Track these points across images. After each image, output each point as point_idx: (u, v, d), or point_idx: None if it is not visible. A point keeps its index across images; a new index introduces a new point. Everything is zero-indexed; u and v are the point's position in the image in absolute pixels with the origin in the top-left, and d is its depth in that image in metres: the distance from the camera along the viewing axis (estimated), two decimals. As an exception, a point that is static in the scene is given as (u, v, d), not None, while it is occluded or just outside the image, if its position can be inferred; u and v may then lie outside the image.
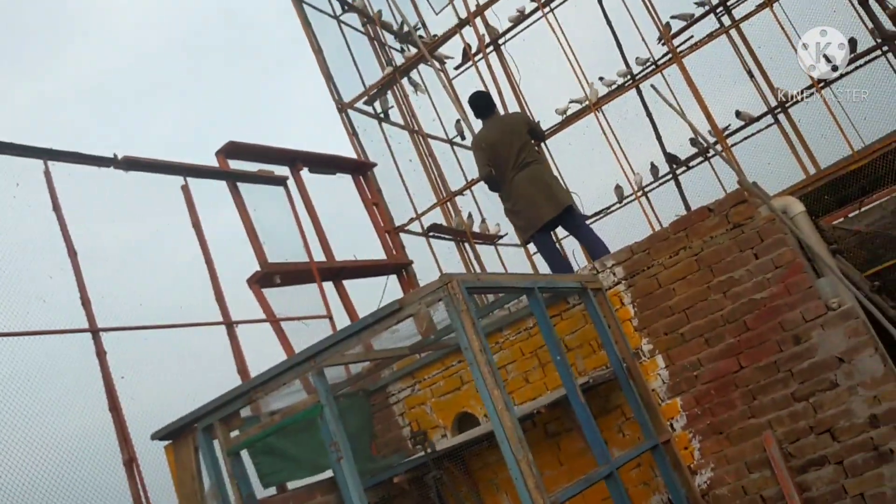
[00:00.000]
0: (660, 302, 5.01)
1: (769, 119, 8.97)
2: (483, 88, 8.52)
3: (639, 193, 9.38)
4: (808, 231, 4.91)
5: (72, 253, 5.19)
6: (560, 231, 7.90)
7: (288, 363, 4.23)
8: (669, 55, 8.31)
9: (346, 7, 9.86)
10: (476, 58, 9.32)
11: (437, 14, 10.84)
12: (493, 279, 4.38)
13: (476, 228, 9.80)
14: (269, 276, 6.53)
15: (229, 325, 5.98)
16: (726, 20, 9.12)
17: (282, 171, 7.45)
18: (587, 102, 9.06)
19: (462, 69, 10.52)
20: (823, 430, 4.45)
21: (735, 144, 9.04)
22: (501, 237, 10.20)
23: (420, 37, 10.13)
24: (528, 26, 9.79)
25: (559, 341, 4.57)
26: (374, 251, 8.26)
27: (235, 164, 6.98)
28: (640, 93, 10.02)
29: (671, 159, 10.13)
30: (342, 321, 6.88)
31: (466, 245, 9.34)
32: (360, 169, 8.60)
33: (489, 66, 9.11)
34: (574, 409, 4.35)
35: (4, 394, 4.34)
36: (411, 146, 9.70)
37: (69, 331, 4.95)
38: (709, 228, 4.89)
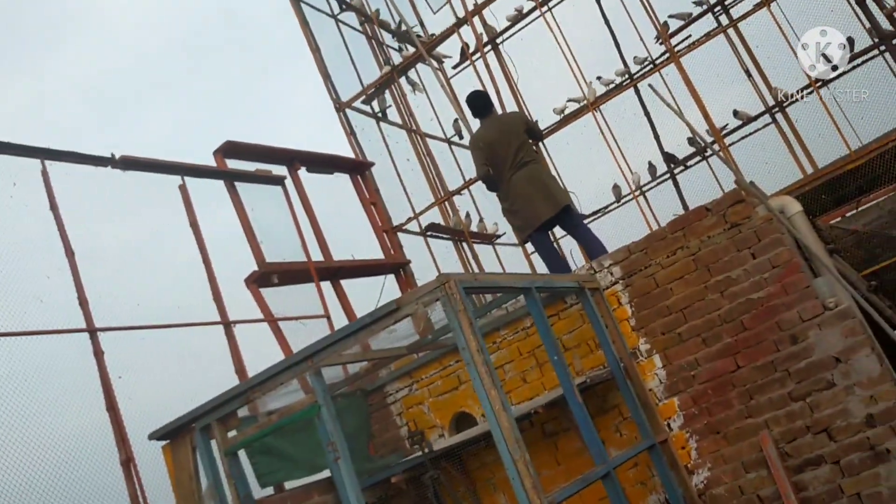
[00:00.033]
0: (657, 301, 5.02)
1: (767, 118, 8.97)
2: (481, 88, 8.52)
3: (636, 193, 9.39)
4: (805, 230, 4.91)
5: (69, 253, 5.19)
6: (558, 231, 7.91)
7: (285, 363, 4.23)
8: (667, 54, 8.32)
9: (343, 6, 9.85)
10: (474, 57, 9.33)
11: (434, 13, 10.84)
12: (490, 279, 4.38)
13: (474, 228, 9.81)
14: (266, 276, 6.52)
15: (227, 324, 5.98)
16: (724, 19, 9.13)
17: (279, 170, 7.44)
18: (585, 102, 9.07)
19: (460, 68, 10.53)
20: (820, 429, 4.45)
21: (732, 144, 9.06)
22: (499, 237, 10.21)
23: (418, 36, 10.13)
24: (525, 25, 9.81)
25: (556, 341, 4.58)
26: (372, 251, 8.27)
27: (233, 164, 6.97)
28: (637, 92, 10.02)
29: (669, 159, 10.14)
30: (340, 321, 6.89)
31: (464, 244, 9.35)
32: (357, 168, 8.60)
33: (487, 66, 9.12)
34: (571, 409, 4.35)
35: (2, 394, 4.34)
36: (409, 145, 9.71)
37: (67, 331, 4.94)
38: (706, 228, 4.90)
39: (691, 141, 9.64)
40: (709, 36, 8.49)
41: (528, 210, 6.11)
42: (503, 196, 6.35)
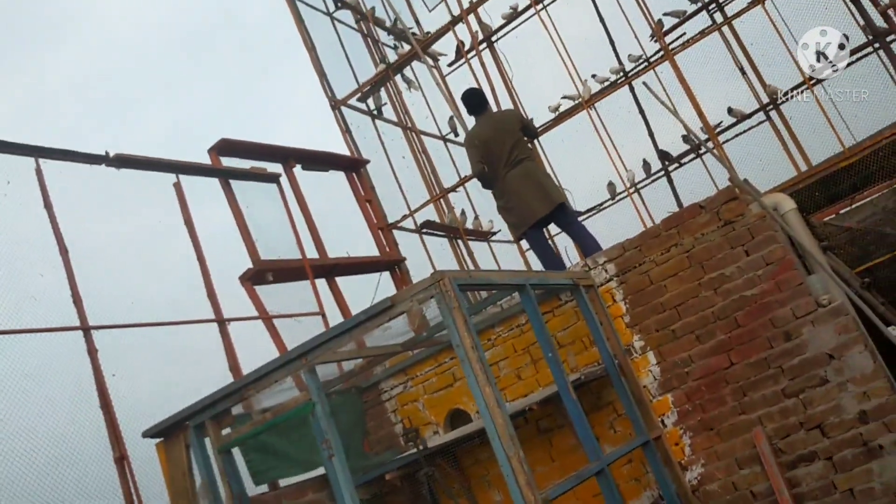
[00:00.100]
0: (651, 299, 5.03)
1: (761, 116, 8.97)
2: (476, 85, 8.52)
3: (631, 190, 9.40)
4: (798, 228, 4.93)
5: (63, 251, 5.17)
6: (552, 228, 7.92)
7: (280, 361, 4.23)
8: (662, 52, 8.32)
9: (339, 4, 9.83)
10: (469, 55, 9.32)
11: (430, 11, 10.83)
12: (485, 276, 4.39)
13: (469, 225, 9.80)
14: (261, 274, 6.52)
15: (221, 322, 5.97)
16: (719, 17, 9.11)
17: (274, 168, 7.43)
18: (580, 99, 9.07)
19: (455, 66, 10.52)
20: (813, 426, 4.47)
21: (727, 141, 9.06)
22: (494, 234, 10.21)
23: (413, 34, 10.12)
24: (521, 23, 9.80)
25: (551, 338, 4.58)
26: (367, 248, 8.27)
27: (228, 162, 6.96)
28: (632, 90, 10.01)
29: (663, 156, 10.14)
30: (335, 318, 6.88)
31: (459, 242, 9.34)
32: (353, 166, 8.59)
33: (482, 63, 9.12)
34: (566, 406, 4.36)
35: (-4, 391, 4.34)
36: (404, 143, 9.70)
37: (61, 329, 4.93)
38: (700, 225, 4.91)
39: (686, 138, 9.64)
40: (703, 34, 8.49)
41: (523, 207, 6.12)
42: (498, 193, 6.35)
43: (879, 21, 7.60)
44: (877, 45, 7.87)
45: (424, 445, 5.06)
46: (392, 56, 10.15)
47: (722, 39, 8.88)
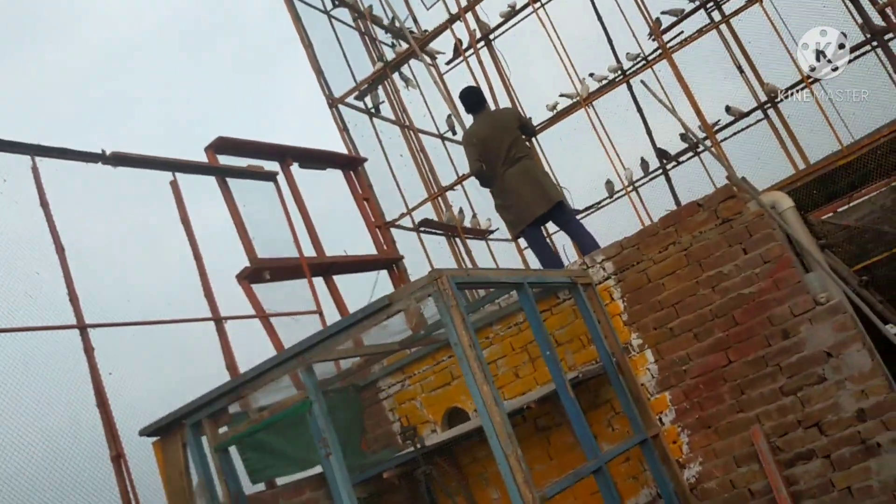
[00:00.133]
0: (649, 297, 5.03)
1: (759, 114, 8.97)
2: (474, 84, 8.50)
3: (629, 189, 9.39)
4: (796, 226, 4.93)
5: (59, 249, 5.15)
6: (551, 226, 7.91)
7: (277, 359, 4.22)
8: (659, 51, 8.31)
9: (336, 2, 9.81)
10: (467, 53, 9.30)
11: (427, 9, 10.82)
12: (482, 274, 4.39)
13: (467, 223, 9.79)
14: (258, 272, 6.50)
15: (218, 320, 5.95)
16: (716, 15, 9.11)
17: (271, 166, 7.40)
18: (577, 98, 9.06)
19: (453, 64, 10.50)
20: (811, 424, 4.47)
21: (725, 140, 9.05)
22: (492, 232, 10.20)
23: (411, 32, 10.10)
24: (518, 22, 9.79)
25: (549, 336, 4.58)
26: (365, 246, 8.25)
27: (225, 160, 6.94)
28: (630, 88, 10.02)
29: (661, 154, 10.14)
30: (332, 317, 6.86)
31: (457, 240, 9.32)
32: (350, 164, 8.58)
33: (480, 62, 9.09)
34: (564, 404, 4.36)
35: (-8, 390, 4.32)
36: (402, 141, 9.68)
37: (57, 327, 4.91)
38: (698, 224, 4.91)
39: (683, 137, 9.64)
40: (701, 32, 8.48)
41: (521, 206, 6.12)
42: (496, 192, 6.35)
43: (877, 19, 7.60)
44: (875, 43, 7.87)
45: (422, 444, 5.05)
46: (390, 54, 10.14)
47: (720, 38, 8.88)
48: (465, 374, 3.63)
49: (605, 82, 9.51)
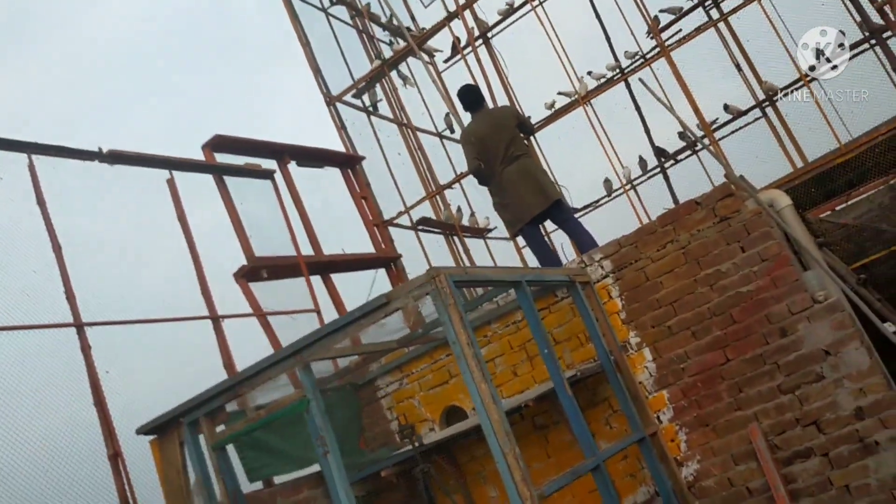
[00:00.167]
0: (647, 295, 5.02)
1: (757, 112, 8.97)
2: (472, 82, 8.49)
3: (627, 187, 9.39)
4: (794, 224, 4.92)
5: (56, 247, 5.14)
6: (548, 224, 7.90)
7: (274, 357, 4.21)
8: (658, 49, 8.31)
9: (334, 0, 9.81)
10: (465, 51, 9.29)
11: (425, 7, 10.82)
12: (480, 273, 4.38)
13: (465, 222, 9.79)
14: (256, 270, 6.49)
15: (215, 319, 5.94)
16: (715, 13, 9.11)
17: (269, 164, 7.39)
18: (576, 96, 9.05)
19: (451, 62, 10.49)
20: (809, 422, 4.47)
21: (723, 138, 9.05)
22: (490, 231, 10.19)
23: (409, 30, 10.09)
24: (516, 20, 9.78)
25: (547, 334, 4.57)
26: (363, 245, 8.24)
27: (222, 158, 6.92)
28: (628, 87, 10.01)
29: (659, 153, 10.14)
30: (330, 315, 6.85)
31: (455, 239, 9.32)
32: (348, 162, 8.57)
33: (478, 60, 9.08)
34: (561, 402, 4.35)
35: (-11, 388, 4.31)
36: (400, 139, 9.68)
37: (53, 325, 4.90)
38: (696, 222, 4.90)
39: (682, 135, 9.64)
40: (699, 30, 8.48)
41: (519, 204, 6.11)
42: (494, 190, 6.34)
43: (876, 17, 7.60)
44: (873, 41, 7.87)
45: (420, 442, 5.05)
46: (387, 52, 10.13)
47: (718, 36, 8.87)
48: (464, 372, 3.63)
49: (603, 81, 9.50)
